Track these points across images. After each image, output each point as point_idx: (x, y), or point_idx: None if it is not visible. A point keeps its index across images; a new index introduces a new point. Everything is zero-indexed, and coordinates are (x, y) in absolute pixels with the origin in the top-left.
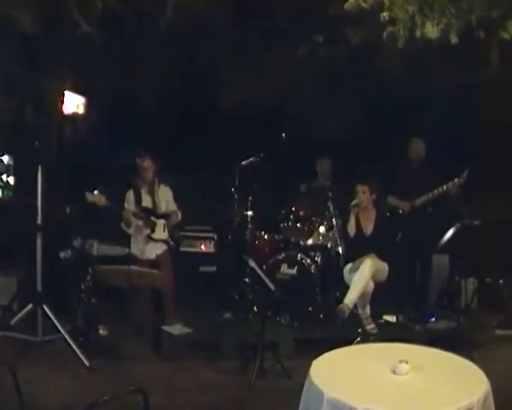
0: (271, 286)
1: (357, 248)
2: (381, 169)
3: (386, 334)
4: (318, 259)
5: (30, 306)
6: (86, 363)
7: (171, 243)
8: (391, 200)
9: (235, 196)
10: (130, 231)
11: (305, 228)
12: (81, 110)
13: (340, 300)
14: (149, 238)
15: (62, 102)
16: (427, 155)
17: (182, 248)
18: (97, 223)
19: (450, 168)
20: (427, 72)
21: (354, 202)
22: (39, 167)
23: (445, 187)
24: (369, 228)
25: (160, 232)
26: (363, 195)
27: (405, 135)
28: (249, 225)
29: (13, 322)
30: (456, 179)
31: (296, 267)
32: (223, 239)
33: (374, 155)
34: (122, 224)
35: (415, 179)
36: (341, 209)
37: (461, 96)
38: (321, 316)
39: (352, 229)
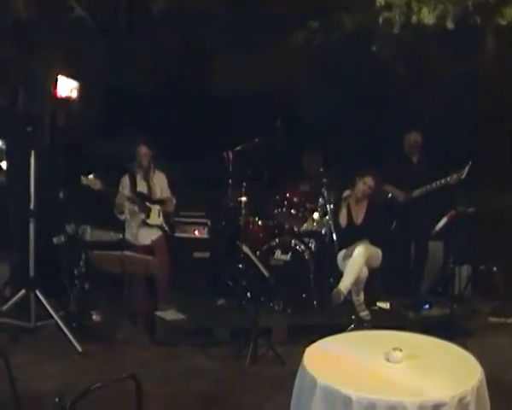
0: (265, 272)
1: (349, 236)
2: (378, 159)
3: (380, 321)
4: (312, 245)
5: (23, 291)
6: (79, 348)
7: (166, 228)
8: (387, 188)
9: (229, 181)
10: (123, 217)
11: (299, 214)
12: (75, 95)
13: (334, 286)
14: (144, 224)
15: (56, 86)
16: (425, 146)
17: (176, 234)
18: (91, 208)
19: (448, 159)
20: (423, 59)
21: (346, 194)
22: (32, 152)
23: (443, 181)
24: (359, 217)
25: (155, 218)
26: (364, 186)
27: (403, 125)
28: (243, 211)
29: (5, 308)
30: (455, 175)
31: (290, 253)
32: (216, 225)
33: (371, 145)
34: (114, 210)
35: (412, 170)
36: (334, 198)
37: (457, 85)
38: (314, 302)
39: (343, 220)
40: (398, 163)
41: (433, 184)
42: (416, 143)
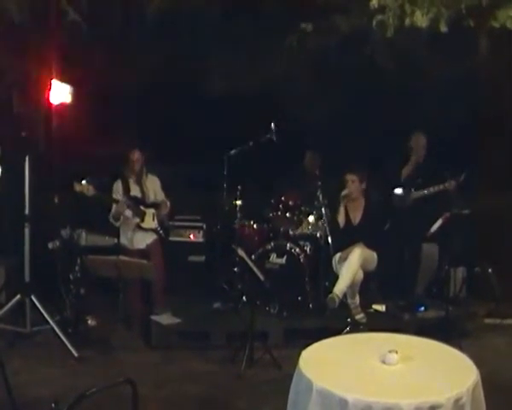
0: (260, 276)
1: (345, 238)
2: (378, 162)
3: (376, 323)
4: (307, 248)
5: (18, 297)
6: (75, 354)
7: (161, 232)
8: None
9: (224, 185)
10: (118, 224)
11: (295, 217)
12: (69, 99)
13: (330, 289)
14: (139, 228)
15: (50, 91)
16: (426, 150)
17: (171, 238)
18: (86, 213)
19: (446, 163)
20: (418, 62)
21: (344, 193)
22: (26, 157)
23: (441, 186)
24: (357, 217)
25: (150, 221)
26: (353, 184)
27: (404, 128)
28: (238, 215)
29: (0, 313)
30: (453, 181)
31: (285, 257)
32: (212, 229)
33: (368, 148)
34: (110, 216)
35: (413, 173)
36: (331, 199)
37: (452, 87)
38: (310, 306)
39: (341, 219)
40: (398, 165)
41: (431, 189)
42: (416, 145)
